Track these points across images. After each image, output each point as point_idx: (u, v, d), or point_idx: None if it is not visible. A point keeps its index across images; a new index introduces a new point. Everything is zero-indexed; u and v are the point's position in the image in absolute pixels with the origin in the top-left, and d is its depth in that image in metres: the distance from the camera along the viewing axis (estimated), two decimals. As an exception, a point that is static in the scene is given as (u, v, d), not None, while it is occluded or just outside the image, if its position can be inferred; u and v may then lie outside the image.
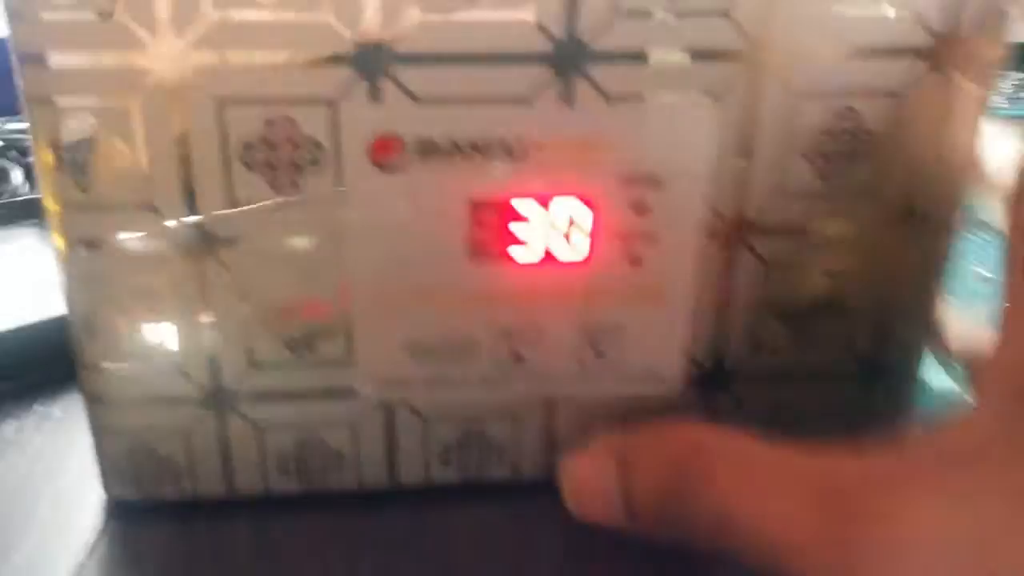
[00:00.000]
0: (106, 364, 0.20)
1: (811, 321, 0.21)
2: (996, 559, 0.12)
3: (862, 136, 0.19)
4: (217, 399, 0.20)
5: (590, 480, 0.19)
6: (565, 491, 0.20)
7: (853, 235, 0.20)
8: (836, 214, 0.20)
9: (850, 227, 0.20)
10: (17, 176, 0.42)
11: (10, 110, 0.50)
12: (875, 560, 0.13)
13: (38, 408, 0.25)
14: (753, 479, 0.15)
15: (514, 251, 0.20)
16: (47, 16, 0.17)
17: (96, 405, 0.20)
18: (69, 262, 0.19)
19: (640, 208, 0.19)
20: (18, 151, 0.44)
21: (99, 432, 0.21)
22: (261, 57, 0.17)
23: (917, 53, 0.18)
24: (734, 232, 0.20)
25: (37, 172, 0.18)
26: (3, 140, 0.44)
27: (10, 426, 0.24)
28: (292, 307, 0.20)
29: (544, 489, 0.22)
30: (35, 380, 0.27)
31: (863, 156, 0.19)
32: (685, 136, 0.19)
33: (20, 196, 0.41)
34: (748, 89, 0.18)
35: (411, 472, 0.22)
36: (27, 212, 0.39)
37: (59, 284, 0.19)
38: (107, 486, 0.21)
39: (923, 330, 0.22)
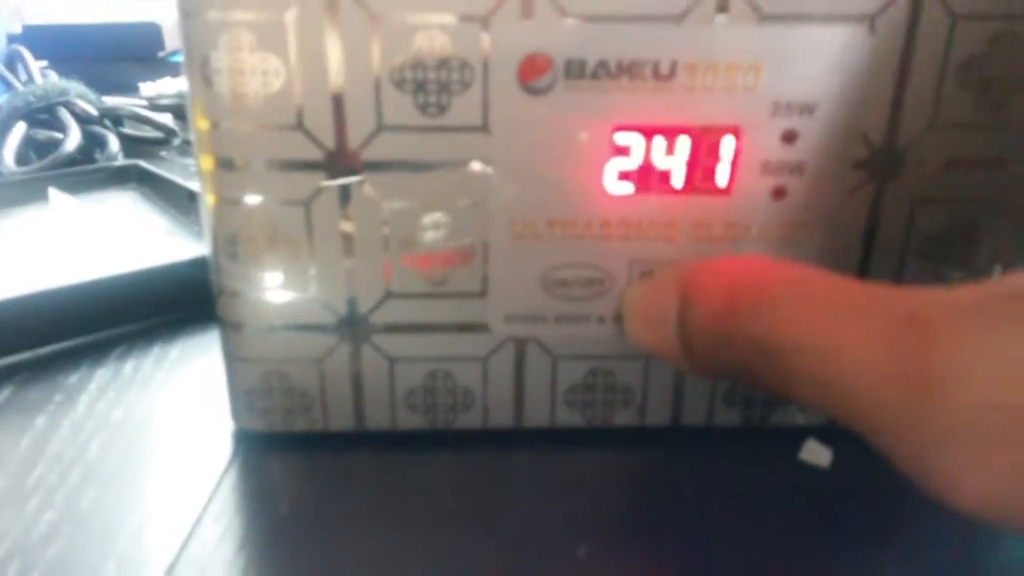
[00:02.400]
0: (245, 290, 0.20)
1: (959, 262, 0.20)
2: None
3: (1020, 62, 0.18)
4: (352, 329, 0.20)
5: (651, 303, 0.18)
6: (626, 316, 0.20)
7: (1007, 171, 0.19)
8: (991, 148, 0.19)
9: (1005, 163, 0.19)
10: (113, 143, 0.43)
11: (105, 88, 0.52)
12: (949, 383, 0.11)
13: (156, 350, 0.26)
14: (818, 305, 0.14)
15: (654, 181, 0.19)
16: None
17: (233, 333, 0.20)
18: (214, 184, 0.19)
19: (789, 136, 0.19)
20: (112, 121, 0.45)
21: (233, 361, 0.21)
22: (416, -27, 0.17)
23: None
24: (883, 163, 0.19)
25: (188, 89, 0.18)
26: (100, 111, 0.45)
27: (129, 365, 0.25)
28: (433, 255, 0.20)
29: (669, 437, 0.22)
30: (150, 325, 0.27)
31: (1020, 85, 0.19)
32: (840, 60, 0.18)
33: (116, 162, 0.42)
34: (905, 8, 0.18)
35: (536, 413, 0.22)
36: (122, 177, 0.40)
37: (202, 208, 0.19)
38: (237, 416, 0.21)
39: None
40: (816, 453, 0.21)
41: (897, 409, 0.12)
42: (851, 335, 0.13)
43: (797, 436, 0.21)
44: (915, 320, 0.12)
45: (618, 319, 0.20)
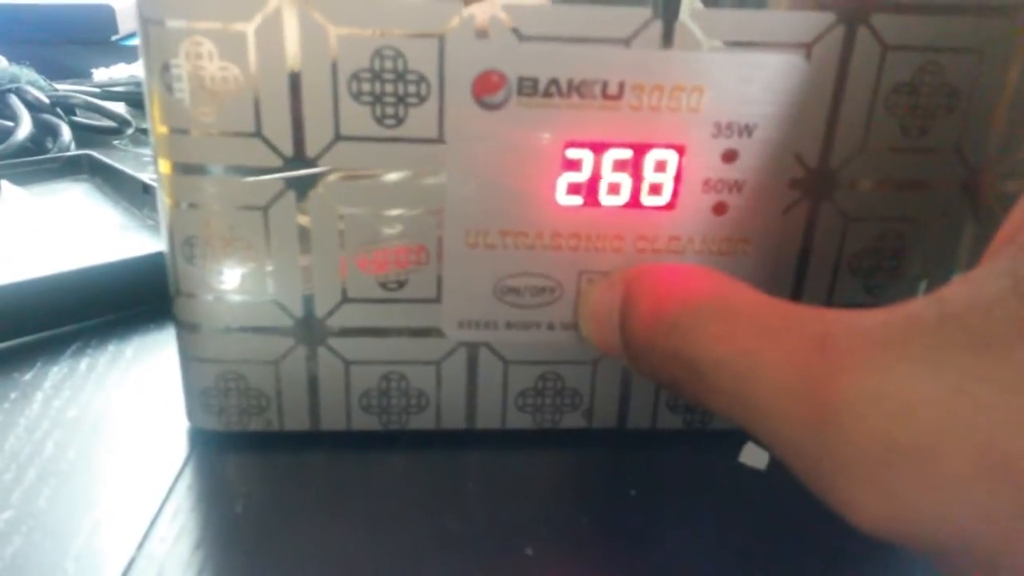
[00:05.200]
0: (202, 292, 0.20)
1: (887, 276, 0.22)
2: (996, 448, 0.11)
3: (945, 91, 0.20)
4: (308, 332, 0.21)
5: (599, 302, 0.19)
6: (580, 314, 0.21)
7: (931, 191, 0.21)
8: (916, 170, 0.21)
9: (929, 184, 0.21)
10: (66, 133, 0.42)
11: (56, 72, 0.51)
12: (849, 415, 0.12)
13: (111, 347, 0.26)
14: (737, 322, 0.15)
15: (602, 194, 0.20)
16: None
17: (189, 334, 0.21)
18: (172, 188, 0.19)
19: (729, 155, 0.20)
20: (64, 109, 0.44)
21: (189, 361, 0.21)
22: (375, -10, 0.18)
23: (999, 10, 0.19)
24: (817, 183, 0.20)
25: (146, 95, 0.19)
26: (52, 99, 0.44)
27: (84, 363, 0.25)
28: (386, 253, 0.20)
29: (614, 439, 0.23)
30: (105, 321, 0.27)
31: (945, 112, 0.20)
32: (778, 85, 0.19)
33: (68, 152, 0.41)
34: (839, 38, 0.19)
35: (488, 416, 0.22)
36: (75, 167, 0.39)
37: (160, 209, 0.20)
38: (192, 416, 0.22)
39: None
40: (754, 456, 0.22)
41: (802, 432, 0.13)
42: (765, 355, 0.14)
43: (737, 440, 0.23)
44: (826, 345, 0.13)
45: (567, 326, 0.21)
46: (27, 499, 0.19)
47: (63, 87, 0.49)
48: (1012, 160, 0.21)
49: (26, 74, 0.46)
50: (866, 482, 0.12)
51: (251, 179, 0.19)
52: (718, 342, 0.15)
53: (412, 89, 0.19)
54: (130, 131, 0.48)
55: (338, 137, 0.19)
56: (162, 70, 0.18)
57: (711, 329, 0.15)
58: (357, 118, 0.19)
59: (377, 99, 0.19)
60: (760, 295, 0.15)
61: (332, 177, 0.19)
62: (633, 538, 0.19)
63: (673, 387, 0.17)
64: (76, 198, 0.37)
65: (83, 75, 0.59)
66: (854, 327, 0.13)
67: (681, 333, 0.16)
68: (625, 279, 0.19)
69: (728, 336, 0.15)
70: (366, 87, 0.18)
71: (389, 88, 0.19)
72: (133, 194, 0.36)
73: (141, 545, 0.18)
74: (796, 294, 0.21)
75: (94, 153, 0.40)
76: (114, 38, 0.69)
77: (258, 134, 0.19)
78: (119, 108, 0.49)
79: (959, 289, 0.12)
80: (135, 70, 0.58)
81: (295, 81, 0.18)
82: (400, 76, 0.18)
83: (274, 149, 0.19)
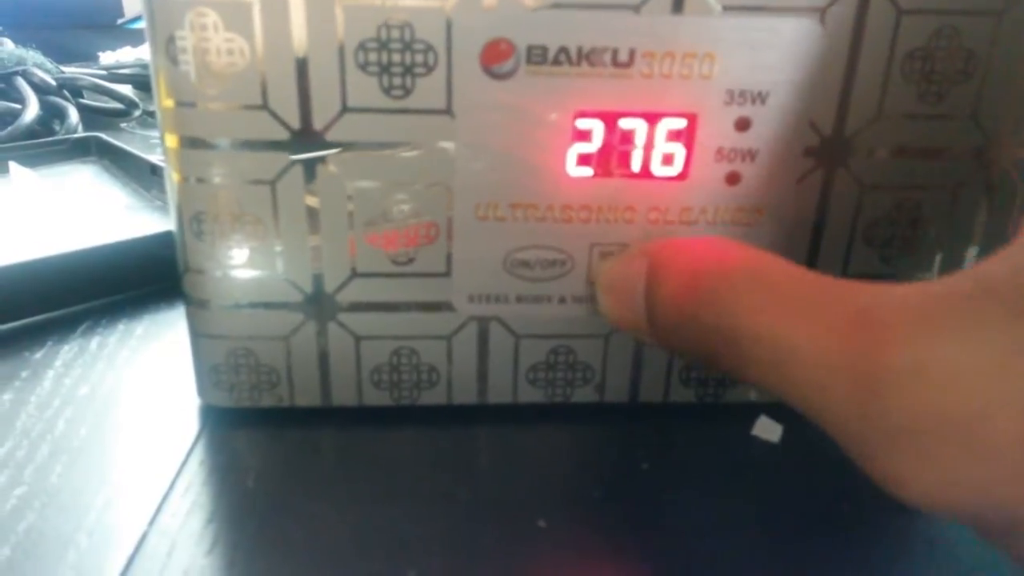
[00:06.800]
0: (211, 268, 0.20)
1: (903, 246, 0.21)
2: None
3: (961, 56, 0.19)
4: (318, 307, 0.20)
5: (620, 276, 0.19)
6: (598, 289, 0.20)
7: (947, 159, 0.20)
8: (933, 137, 0.20)
9: (946, 152, 0.20)
10: (73, 115, 0.42)
11: (63, 56, 0.50)
12: (895, 387, 0.12)
13: (121, 326, 0.26)
14: (776, 295, 0.14)
15: (614, 165, 0.20)
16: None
17: (199, 310, 0.21)
18: (180, 162, 0.19)
19: (742, 124, 0.19)
20: (71, 91, 0.44)
21: (199, 337, 0.21)
22: (380, -43, 0.17)
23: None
24: (832, 151, 0.20)
25: (152, 69, 0.18)
26: (59, 81, 0.44)
27: (95, 341, 0.25)
28: (396, 232, 0.20)
29: (627, 413, 0.22)
30: (115, 301, 0.27)
31: (962, 77, 0.19)
32: (791, 50, 0.19)
33: (75, 134, 0.41)
34: (853, 2, 0.18)
35: (499, 390, 0.22)
36: (83, 149, 0.39)
37: (167, 185, 0.20)
38: (203, 392, 0.22)
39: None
40: (767, 429, 0.22)
41: (846, 405, 0.13)
42: (805, 329, 0.14)
43: (750, 413, 0.22)
44: (867, 319, 0.13)
45: (579, 299, 0.21)
46: (40, 475, 0.19)
47: (70, 70, 0.48)
48: (1031, 127, 0.20)
49: (32, 57, 0.46)
50: (912, 454, 0.12)
51: (267, 155, 0.19)
52: (757, 313, 0.14)
53: (420, 59, 0.18)
54: (137, 113, 0.48)
55: (345, 109, 0.19)
56: (167, 43, 0.18)
57: (750, 300, 0.15)
58: (364, 89, 0.19)
59: (384, 69, 0.18)
60: (795, 267, 0.15)
61: (340, 153, 0.19)
62: (645, 511, 0.19)
63: (707, 360, 0.16)
64: (84, 180, 0.37)
65: (90, 59, 0.59)
66: (894, 300, 0.13)
67: (720, 304, 0.15)
68: (648, 252, 0.18)
69: (767, 308, 0.14)
70: (373, 57, 0.18)
71: (396, 58, 0.18)
72: (141, 175, 0.36)
73: (153, 520, 0.18)
74: (810, 265, 0.21)
75: (102, 135, 0.40)
76: (120, 22, 0.69)
77: (265, 106, 0.19)
78: (126, 90, 0.49)
79: (996, 262, 0.12)
80: (141, 53, 0.58)
81: (301, 52, 0.18)
82: (407, 46, 0.18)
83: (281, 121, 0.19)
